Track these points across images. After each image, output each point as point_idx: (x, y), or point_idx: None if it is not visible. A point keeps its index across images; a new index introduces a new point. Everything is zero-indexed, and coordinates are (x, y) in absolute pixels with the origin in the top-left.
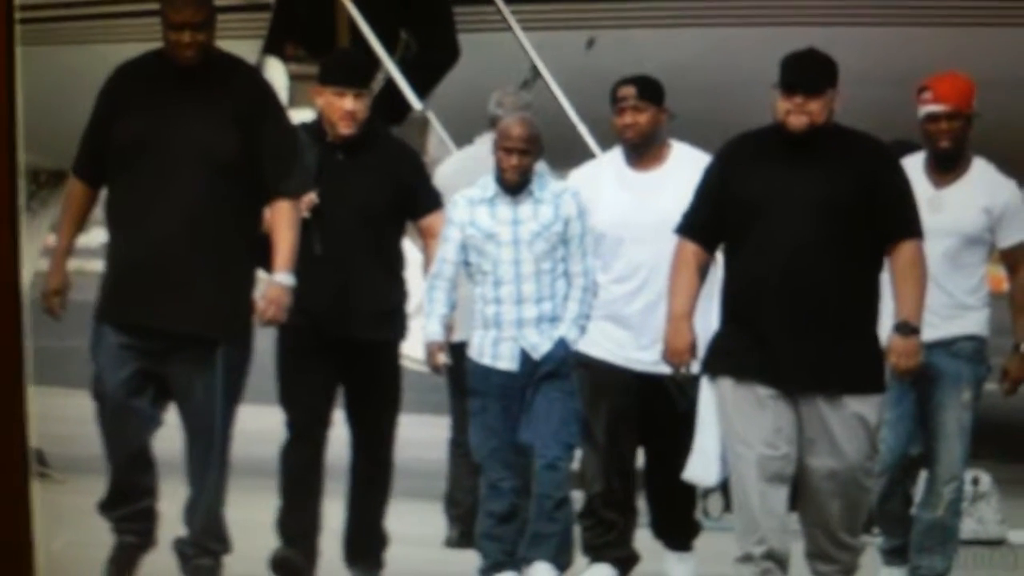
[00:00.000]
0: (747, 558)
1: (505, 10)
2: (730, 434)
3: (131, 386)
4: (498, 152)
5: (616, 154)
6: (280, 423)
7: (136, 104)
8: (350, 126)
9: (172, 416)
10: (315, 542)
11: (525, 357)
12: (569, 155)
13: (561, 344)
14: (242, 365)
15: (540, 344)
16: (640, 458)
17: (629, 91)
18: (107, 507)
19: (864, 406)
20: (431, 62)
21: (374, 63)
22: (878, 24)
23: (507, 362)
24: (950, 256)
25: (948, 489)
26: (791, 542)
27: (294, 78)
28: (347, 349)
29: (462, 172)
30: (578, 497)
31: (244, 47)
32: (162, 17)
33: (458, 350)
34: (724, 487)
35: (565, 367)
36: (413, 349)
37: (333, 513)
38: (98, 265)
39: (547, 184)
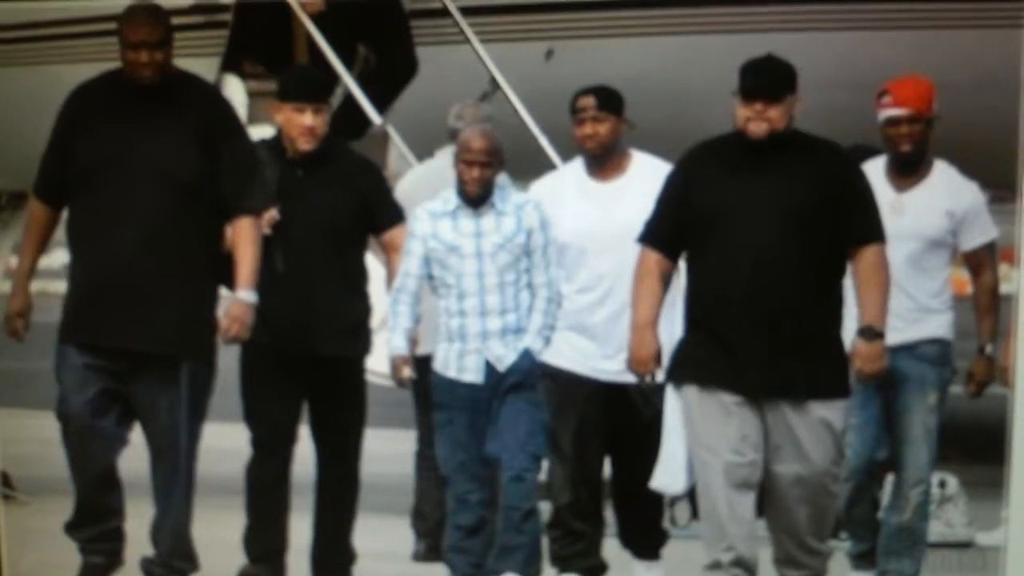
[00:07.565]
0: (715, 565)
1: (463, 23)
2: (696, 442)
3: (96, 406)
4: (459, 165)
5: (577, 165)
6: (245, 440)
7: (95, 124)
8: (310, 141)
9: (137, 435)
10: (282, 559)
11: (490, 369)
12: (530, 166)
13: (526, 355)
14: (206, 383)
15: (505, 356)
16: (607, 468)
17: (589, 102)
18: (74, 527)
19: (829, 411)
20: (390, 76)
21: (332, 78)
22: (836, 29)
23: (472, 374)
24: (913, 260)
25: (915, 492)
26: (759, 548)
27: (253, 95)
28: (311, 365)
29: (423, 185)
30: (546, 508)
31: (202, 65)
32: (119, 37)
33: (423, 363)
34: (691, 495)
35: (531, 378)
36: (378, 363)
37: (300, 529)
38: (61, 286)
39: (509, 196)
